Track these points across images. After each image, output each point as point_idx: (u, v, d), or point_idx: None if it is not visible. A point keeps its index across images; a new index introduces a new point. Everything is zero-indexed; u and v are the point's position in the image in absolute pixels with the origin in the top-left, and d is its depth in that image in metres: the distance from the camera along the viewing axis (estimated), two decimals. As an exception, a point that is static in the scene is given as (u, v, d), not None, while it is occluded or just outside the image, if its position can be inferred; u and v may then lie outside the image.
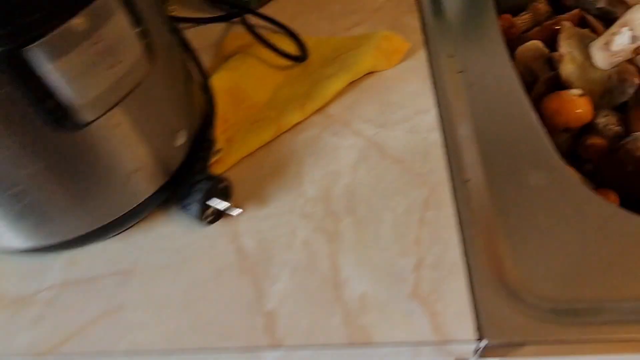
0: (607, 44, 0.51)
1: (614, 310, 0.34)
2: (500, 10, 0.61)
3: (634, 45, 0.50)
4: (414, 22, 0.54)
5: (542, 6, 0.66)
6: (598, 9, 0.62)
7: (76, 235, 0.37)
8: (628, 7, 0.61)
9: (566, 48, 0.52)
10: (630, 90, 0.53)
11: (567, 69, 0.51)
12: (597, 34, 0.62)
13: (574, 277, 0.35)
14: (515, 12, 0.66)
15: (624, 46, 0.50)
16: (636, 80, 0.54)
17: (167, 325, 0.35)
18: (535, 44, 0.60)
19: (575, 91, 0.49)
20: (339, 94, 0.47)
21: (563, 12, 0.67)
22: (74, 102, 0.28)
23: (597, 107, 0.52)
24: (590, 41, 0.54)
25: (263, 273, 0.37)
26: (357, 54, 0.48)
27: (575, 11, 0.63)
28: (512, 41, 0.65)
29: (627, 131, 0.49)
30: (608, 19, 0.62)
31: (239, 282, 0.37)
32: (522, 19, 0.66)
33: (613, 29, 0.51)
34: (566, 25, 0.53)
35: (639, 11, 0.48)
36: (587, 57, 0.52)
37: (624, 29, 0.49)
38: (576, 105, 0.48)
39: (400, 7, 0.56)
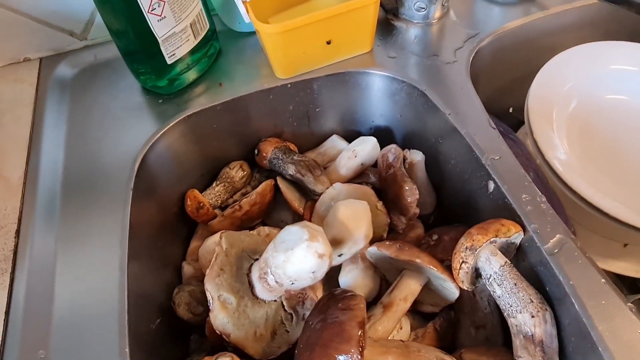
0: (263, 278, 0.39)
1: None
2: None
3: (291, 288, 0.39)
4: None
5: (236, 173, 0.54)
6: (290, 175, 0.52)
7: None
8: (315, 176, 0.51)
9: (214, 291, 0.39)
10: (311, 318, 0.42)
11: (219, 319, 0.39)
12: (289, 203, 0.51)
13: None
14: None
15: (280, 287, 0.39)
16: (316, 294, 0.44)
17: None
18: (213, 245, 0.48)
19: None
20: None
21: (261, 174, 0.56)
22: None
23: (268, 354, 0.41)
24: (250, 261, 0.42)
25: None
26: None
27: (269, 181, 0.52)
28: (209, 231, 0.53)
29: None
30: (300, 186, 0.52)
31: None
32: (214, 193, 0.54)
33: (264, 267, 0.39)
34: (217, 252, 0.41)
35: (277, 257, 0.37)
36: (246, 288, 0.41)
37: (269, 275, 0.38)
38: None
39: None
